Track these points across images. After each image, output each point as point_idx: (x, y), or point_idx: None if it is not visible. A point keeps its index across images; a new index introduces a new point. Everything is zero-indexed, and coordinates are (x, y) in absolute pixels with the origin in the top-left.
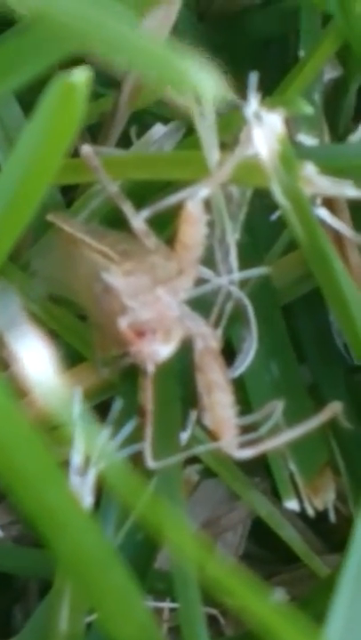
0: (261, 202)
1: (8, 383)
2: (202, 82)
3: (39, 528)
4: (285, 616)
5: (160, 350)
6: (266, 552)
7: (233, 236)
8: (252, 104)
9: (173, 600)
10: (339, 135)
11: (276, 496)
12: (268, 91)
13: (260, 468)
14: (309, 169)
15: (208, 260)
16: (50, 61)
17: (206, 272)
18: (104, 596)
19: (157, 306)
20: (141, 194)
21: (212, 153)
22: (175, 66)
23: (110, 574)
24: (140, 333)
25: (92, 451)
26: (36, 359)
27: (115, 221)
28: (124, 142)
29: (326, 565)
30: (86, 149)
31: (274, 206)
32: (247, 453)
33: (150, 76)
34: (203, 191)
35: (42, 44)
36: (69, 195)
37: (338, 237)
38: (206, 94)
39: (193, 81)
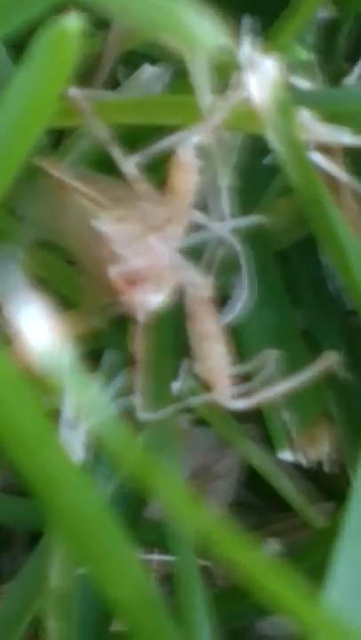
0: (253, 145)
1: None
2: (202, 32)
3: (31, 485)
4: (278, 573)
5: (151, 299)
6: (258, 500)
7: (225, 182)
8: (247, 49)
9: (162, 551)
10: (331, 77)
11: (268, 443)
12: (259, 32)
13: (251, 415)
14: (305, 115)
15: (200, 207)
16: (41, 8)
17: (201, 218)
18: (98, 555)
19: (149, 254)
20: (130, 138)
21: (205, 98)
22: (175, 15)
23: (105, 533)
24: (131, 282)
25: (84, 403)
26: (29, 308)
27: (102, 166)
28: (111, 84)
29: (320, 513)
30: (75, 92)
31: (265, 150)
32: (241, 404)
33: (148, 25)
34: (195, 137)
35: None
36: (52, 138)
37: (331, 182)
38: (207, 45)
39: (193, 31)
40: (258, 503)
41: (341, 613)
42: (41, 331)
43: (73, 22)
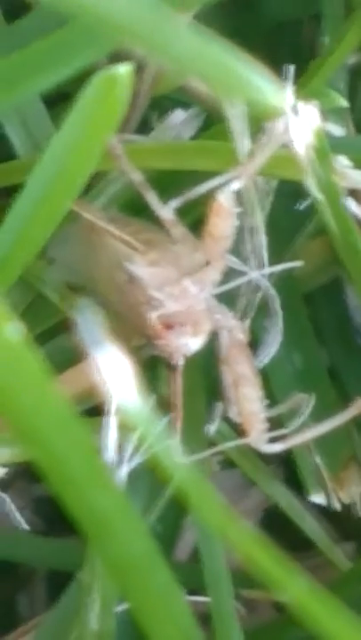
0: (281, 190)
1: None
2: (263, 91)
3: (81, 524)
4: (324, 602)
5: (189, 344)
6: (276, 541)
7: (261, 227)
8: (290, 96)
9: (190, 592)
10: (356, 123)
11: (290, 483)
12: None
13: (274, 456)
14: (342, 161)
15: (231, 250)
16: (87, 61)
17: (237, 263)
18: (147, 595)
19: (185, 298)
20: (162, 181)
21: (243, 143)
22: (237, 74)
23: (155, 574)
24: (168, 326)
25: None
26: (112, 357)
27: (132, 209)
28: (142, 128)
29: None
30: (111, 138)
31: (296, 195)
32: (275, 449)
33: (195, 73)
34: (235, 183)
35: (77, 42)
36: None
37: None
38: (268, 103)
39: (254, 89)
40: (274, 544)
41: None
42: (124, 379)
43: (123, 71)
